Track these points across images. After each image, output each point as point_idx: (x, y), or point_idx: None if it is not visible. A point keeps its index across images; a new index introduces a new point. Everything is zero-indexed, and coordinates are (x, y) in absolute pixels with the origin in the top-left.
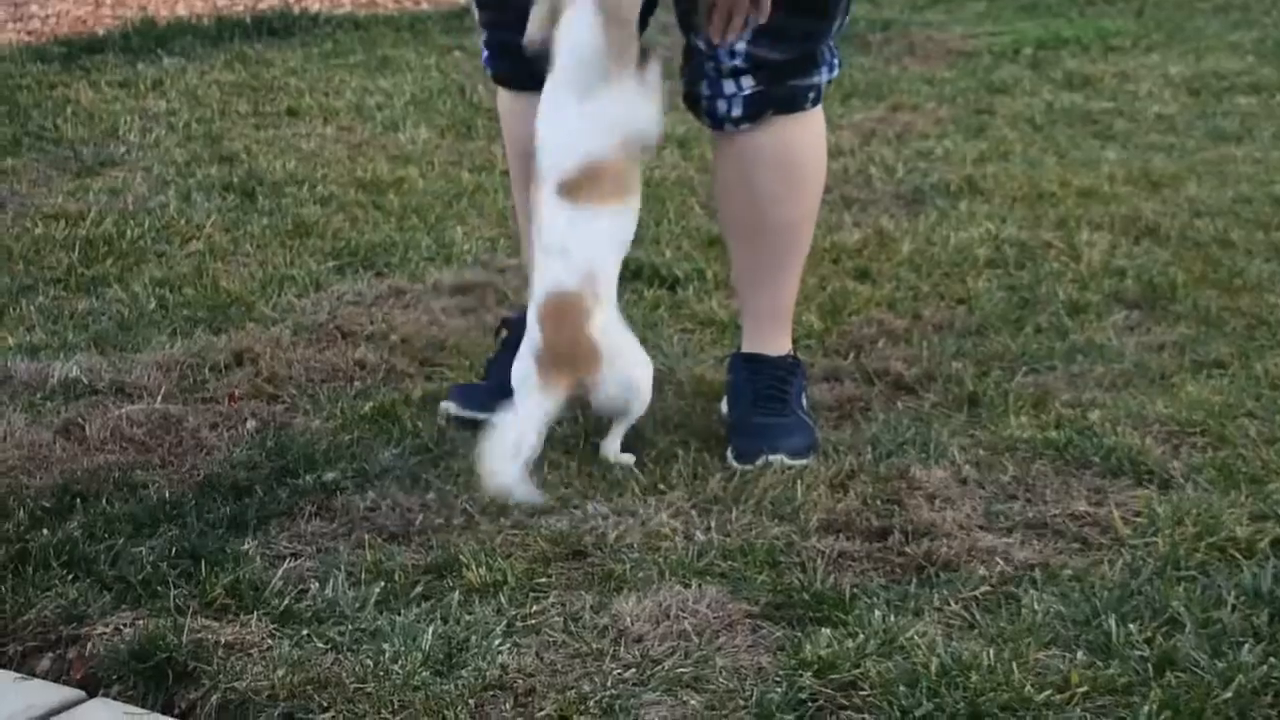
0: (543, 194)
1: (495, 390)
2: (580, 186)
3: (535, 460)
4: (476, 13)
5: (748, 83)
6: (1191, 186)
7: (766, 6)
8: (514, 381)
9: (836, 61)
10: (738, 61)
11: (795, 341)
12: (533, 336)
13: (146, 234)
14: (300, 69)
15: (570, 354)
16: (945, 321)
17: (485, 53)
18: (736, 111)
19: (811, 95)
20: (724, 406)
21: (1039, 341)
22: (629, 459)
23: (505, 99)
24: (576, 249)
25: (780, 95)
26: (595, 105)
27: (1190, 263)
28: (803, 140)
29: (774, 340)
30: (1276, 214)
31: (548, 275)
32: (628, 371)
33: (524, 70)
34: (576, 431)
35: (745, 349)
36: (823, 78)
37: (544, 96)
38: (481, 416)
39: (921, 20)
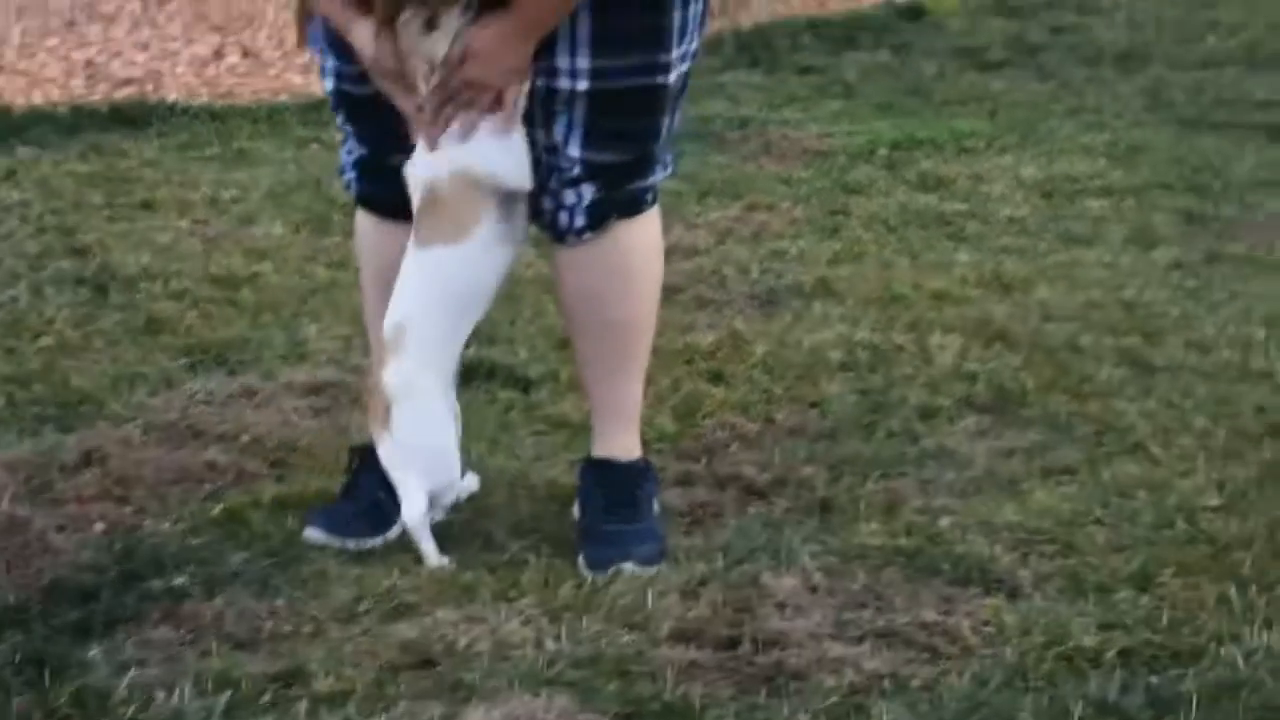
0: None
1: (359, 514)
2: (420, 218)
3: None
4: (343, 122)
5: (588, 190)
6: (1042, 290)
7: (508, 109)
8: None
9: (670, 158)
10: (576, 170)
11: (647, 445)
12: None
13: None
14: (156, 160)
15: (369, 397)
16: (798, 425)
17: (350, 172)
18: (580, 221)
19: (649, 196)
20: (575, 512)
21: (891, 446)
22: (425, 549)
23: (367, 223)
24: (398, 290)
25: (621, 200)
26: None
27: (1040, 367)
28: (642, 241)
29: (623, 443)
30: (1125, 319)
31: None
32: (411, 436)
33: (394, 194)
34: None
35: (595, 454)
36: (658, 176)
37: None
38: (351, 544)
39: (779, 118)
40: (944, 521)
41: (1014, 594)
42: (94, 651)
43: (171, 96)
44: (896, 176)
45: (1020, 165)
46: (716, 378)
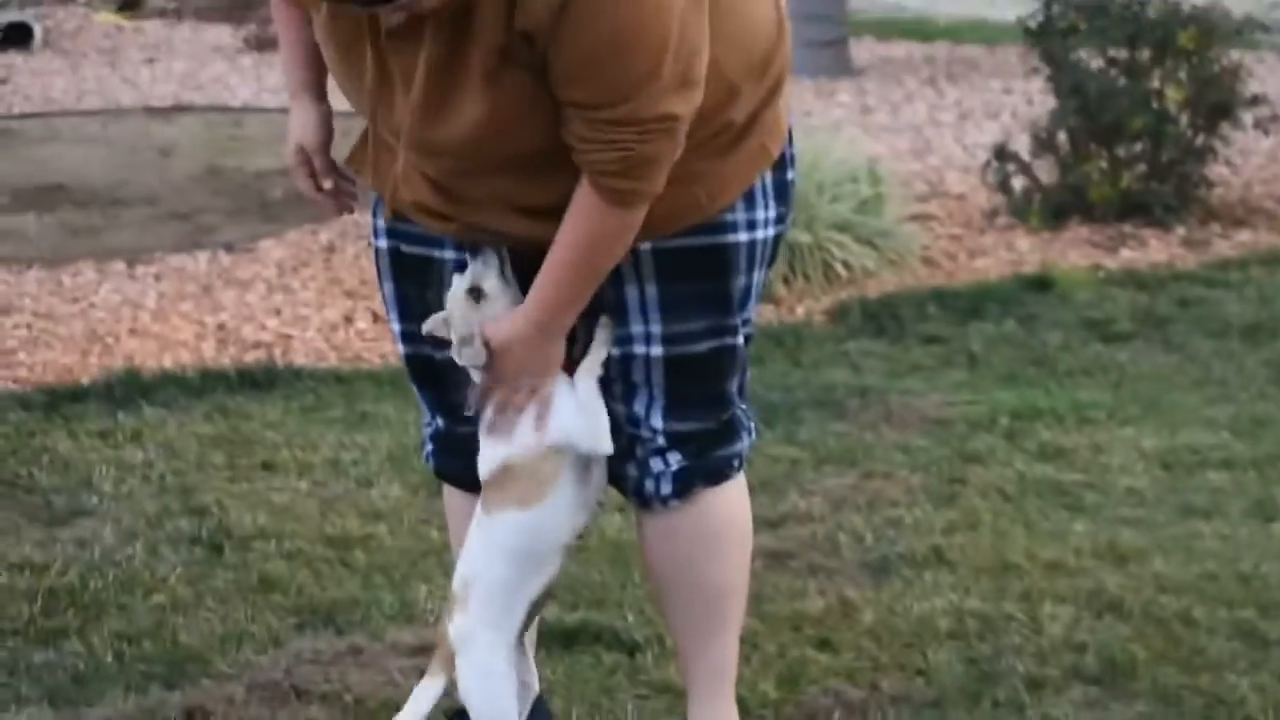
0: None
1: None
2: (490, 485)
3: None
4: (417, 391)
5: (674, 459)
6: (1158, 562)
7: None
8: None
9: (752, 425)
10: (660, 440)
11: (749, 711)
12: None
13: (110, 585)
14: (279, 423)
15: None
16: (903, 693)
17: (428, 445)
18: (666, 489)
19: (736, 463)
20: None
21: (997, 716)
22: None
23: (450, 493)
24: (466, 544)
25: (708, 468)
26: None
27: (1151, 639)
28: (729, 507)
29: (719, 709)
30: (1241, 592)
31: None
32: (469, 689)
33: (469, 469)
34: None
35: (693, 715)
36: (744, 443)
37: None
38: None
39: (901, 387)
40: None
41: None
42: None
43: (299, 360)
44: (1016, 446)
45: (1142, 437)
46: (823, 644)
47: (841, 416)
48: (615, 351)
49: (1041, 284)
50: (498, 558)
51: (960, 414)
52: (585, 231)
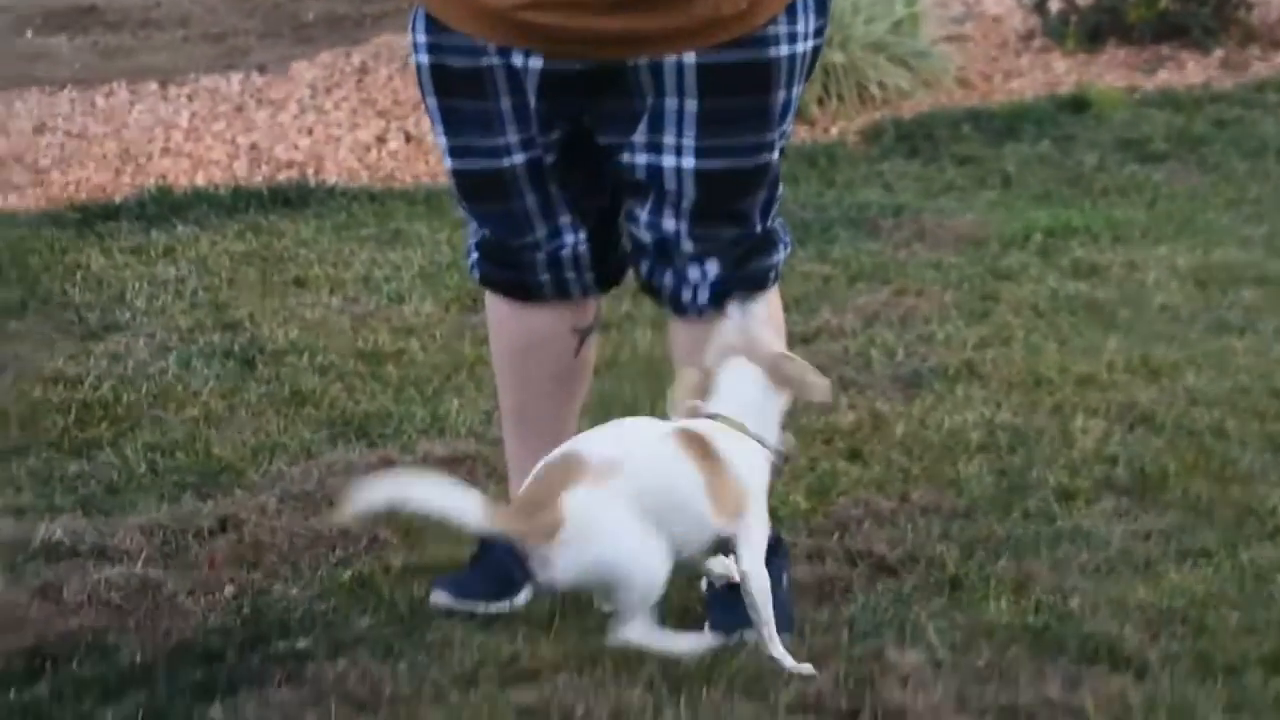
0: None
1: (486, 578)
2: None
3: None
4: (464, 205)
5: (712, 267)
6: (1190, 376)
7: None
8: None
9: (789, 238)
10: (693, 247)
11: (781, 521)
12: None
13: (143, 399)
14: (312, 240)
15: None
16: (933, 504)
17: (473, 254)
18: (703, 298)
19: (773, 275)
20: (704, 582)
21: (1025, 526)
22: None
23: (494, 303)
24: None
25: (745, 277)
26: None
27: (1183, 452)
28: (765, 318)
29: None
30: (1273, 405)
31: None
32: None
33: (515, 277)
34: (552, 603)
35: None
36: (781, 255)
37: None
38: (478, 608)
39: (934, 206)
40: (1074, 601)
41: (1141, 673)
42: (215, 711)
43: (332, 179)
44: (1049, 263)
45: (1176, 255)
46: (854, 456)
47: (875, 235)
48: (643, 160)
49: (1077, 105)
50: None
51: (994, 232)
52: None
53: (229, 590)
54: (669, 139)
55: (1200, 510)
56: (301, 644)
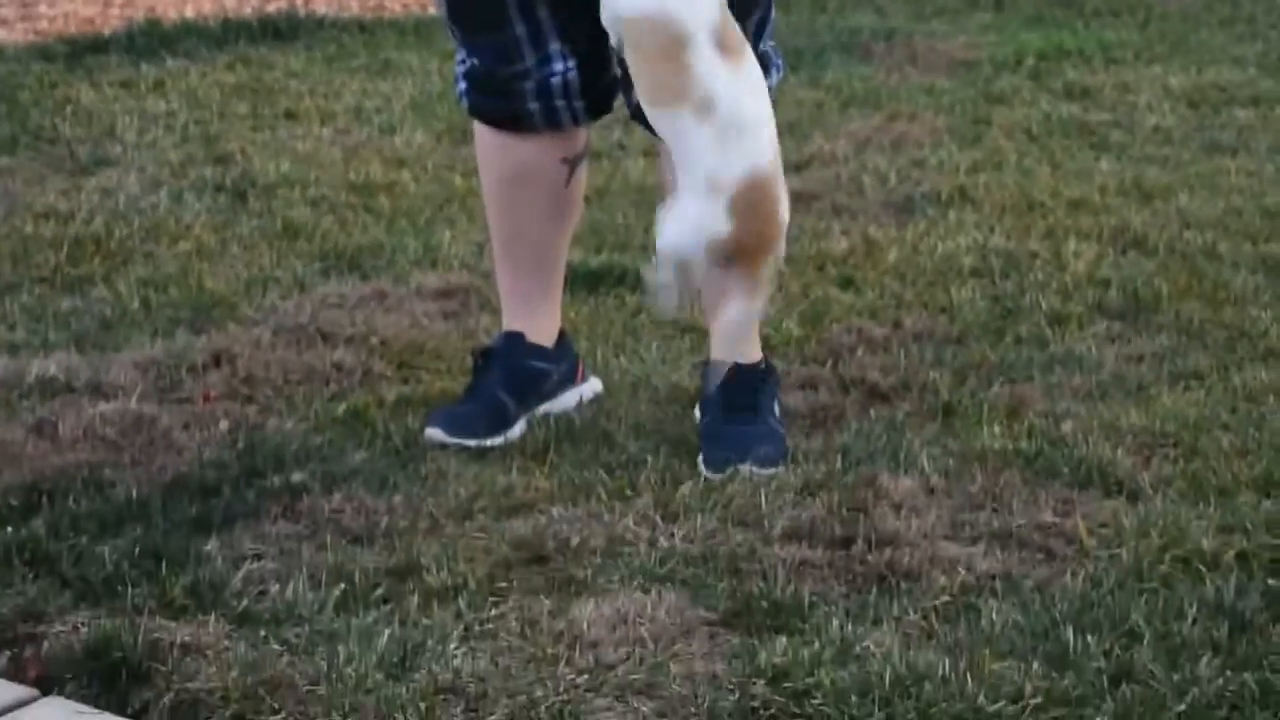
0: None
1: (479, 413)
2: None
3: None
4: (452, 30)
5: None
6: (1183, 198)
7: None
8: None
9: (781, 61)
10: None
11: (773, 349)
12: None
13: (135, 234)
14: (302, 72)
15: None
16: (926, 330)
17: (461, 83)
18: None
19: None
20: (697, 413)
21: (1018, 352)
22: None
23: (483, 133)
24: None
25: None
26: None
27: (1175, 274)
28: None
29: (745, 347)
30: (1266, 227)
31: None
32: None
33: (504, 107)
34: (547, 435)
35: (716, 356)
36: (773, 79)
37: None
38: (471, 443)
39: (926, 30)
40: (1067, 425)
41: (1133, 497)
42: (211, 545)
43: (321, 10)
44: (1042, 86)
45: (1168, 75)
46: (847, 283)
47: (867, 59)
48: None
49: None
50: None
51: (986, 55)
52: None
53: (223, 425)
54: None
55: (1192, 333)
56: (296, 478)
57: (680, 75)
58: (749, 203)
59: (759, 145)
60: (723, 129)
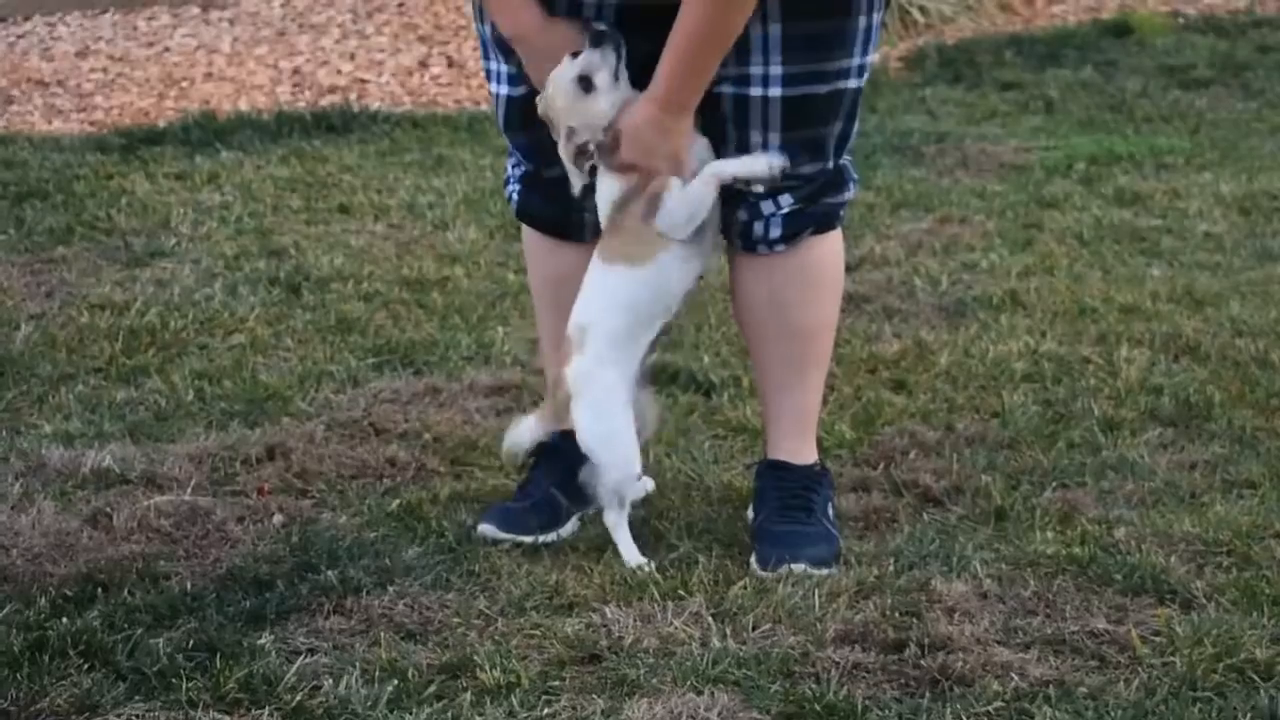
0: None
1: (532, 510)
2: (605, 234)
3: None
4: (510, 135)
5: (786, 201)
6: (1235, 306)
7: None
8: None
9: (857, 177)
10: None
11: (826, 451)
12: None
13: (190, 326)
14: (356, 166)
15: (554, 391)
16: (978, 434)
17: (513, 185)
18: (775, 232)
19: (842, 212)
20: (750, 513)
21: (1070, 457)
22: (623, 549)
23: (531, 236)
24: (583, 292)
25: (817, 213)
26: None
27: (1228, 382)
28: (831, 252)
29: (799, 449)
30: None
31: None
32: (589, 430)
33: (554, 210)
34: (599, 533)
35: (771, 456)
36: (852, 192)
37: None
38: (525, 539)
39: (977, 133)
40: (1120, 532)
41: (1187, 605)
42: (265, 639)
43: (375, 104)
44: (1093, 191)
45: (1220, 182)
46: (899, 386)
47: (918, 162)
48: (731, 91)
49: (1120, 30)
50: (614, 308)
51: (1037, 159)
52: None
53: (277, 519)
54: (755, 69)
55: (1245, 441)
56: (350, 573)
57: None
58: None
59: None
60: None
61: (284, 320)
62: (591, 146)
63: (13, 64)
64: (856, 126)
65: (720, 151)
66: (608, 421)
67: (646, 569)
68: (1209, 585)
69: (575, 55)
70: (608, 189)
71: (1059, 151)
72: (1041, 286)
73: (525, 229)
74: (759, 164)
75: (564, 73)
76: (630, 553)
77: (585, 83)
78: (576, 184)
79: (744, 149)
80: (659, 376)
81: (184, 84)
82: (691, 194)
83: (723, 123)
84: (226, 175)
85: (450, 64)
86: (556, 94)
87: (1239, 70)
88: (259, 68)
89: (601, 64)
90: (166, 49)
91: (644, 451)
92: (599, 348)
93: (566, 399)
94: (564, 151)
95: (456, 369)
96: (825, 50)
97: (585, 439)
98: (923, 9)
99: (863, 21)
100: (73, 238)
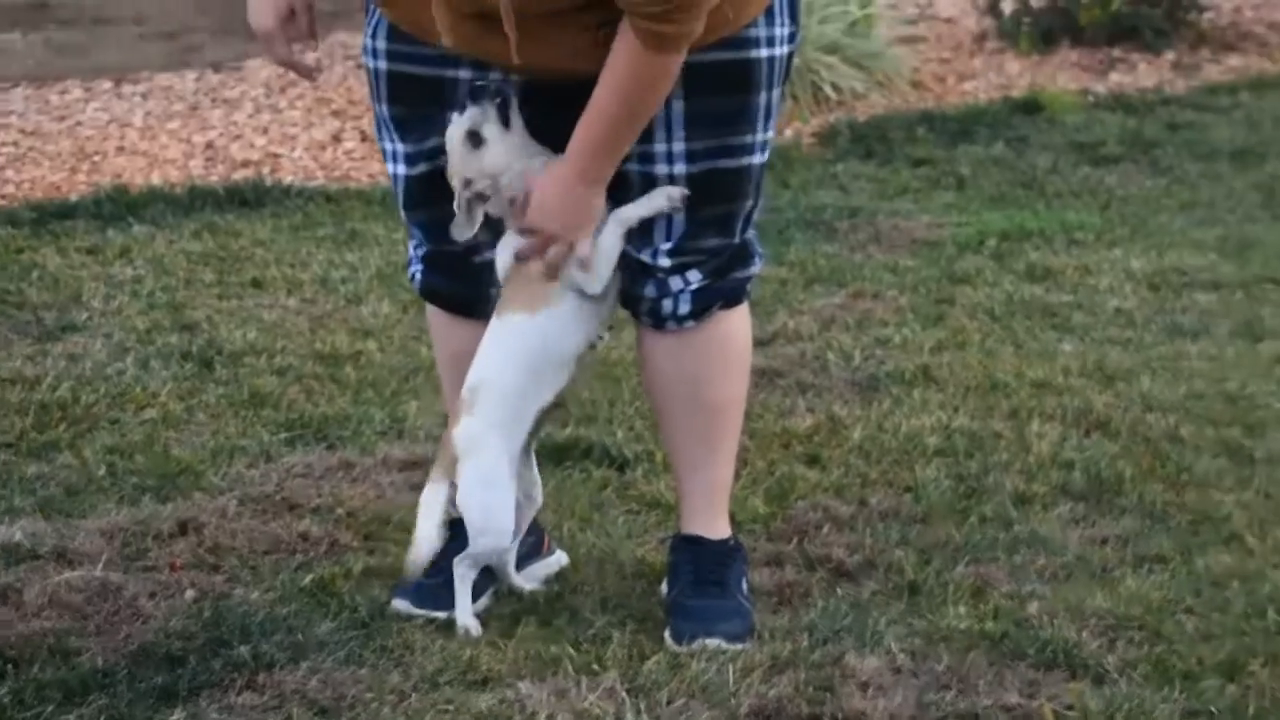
0: None
1: (445, 585)
2: (506, 290)
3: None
4: (410, 215)
5: (694, 277)
6: (1145, 381)
7: (585, 253)
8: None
9: (761, 250)
10: (677, 260)
11: (740, 525)
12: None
13: (101, 400)
14: (269, 240)
15: (443, 450)
16: (891, 509)
17: (415, 265)
18: (684, 309)
19: (749, 287)
20: (664, 588)
21: (983, 532)
22: (460, 603)
23: (435, 314)
24: (479, 352)
25: (725, 288)
26: None
27: (1139, 457)
28: (739, 328)
29: (713, 523)
30: (1228, 411)
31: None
32: (469, 492)
33: (457, 288)
34: (514, 608)
35: (685, 531)
36: (758, 267)
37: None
38: (438, 615)
39: (889, 209)
40: (1032, 606)
41: (1099, 679)
42: (177, 716)
43: (288, 179)
44: (1004, 267)
45: (1129, 258)
46: (812, 461)
47: (830, 237)
48: (636, 169)
49: (1030, 107)
50: (509, 363)
51: (949, 235)
52: (627, 77)
53: (189, 594)
54: (659, 146)
55: (1156, 516)
56: (263, 648)
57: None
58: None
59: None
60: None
61: (196, 395)
62: (489, 194)
63: None
64: (761, 202)
65: (634, 230)
66: (490, 490)
67: (474, 634)
68: (1120, 660)
69: (478, 92)
70: (510, 243)
71: (970, 227)
72: (954, 361)
73: (429, 307)
74: (659, 199)
75: (452, 131)
76: (464, 611)
77: (474, 138)
78: (463, 233)
79: (650, 229)
80: (572, 452)
81: (96, 158)
82: (603, 246)
83: (624, 200)
84: (139, 249)
85: (364, 138)
86: (451, 153)
87: (1148, 147)
88: (172, 142)
89: (484, 117)
90: (79, 123)
91: (556, 527)
92: (488, 409)
93: (453, 461)
94: (458, 200)
95: (370, 443)
96: (728, 127)
97: (465, 501)
98: (835, 85)
99: (764, 98)
100: None
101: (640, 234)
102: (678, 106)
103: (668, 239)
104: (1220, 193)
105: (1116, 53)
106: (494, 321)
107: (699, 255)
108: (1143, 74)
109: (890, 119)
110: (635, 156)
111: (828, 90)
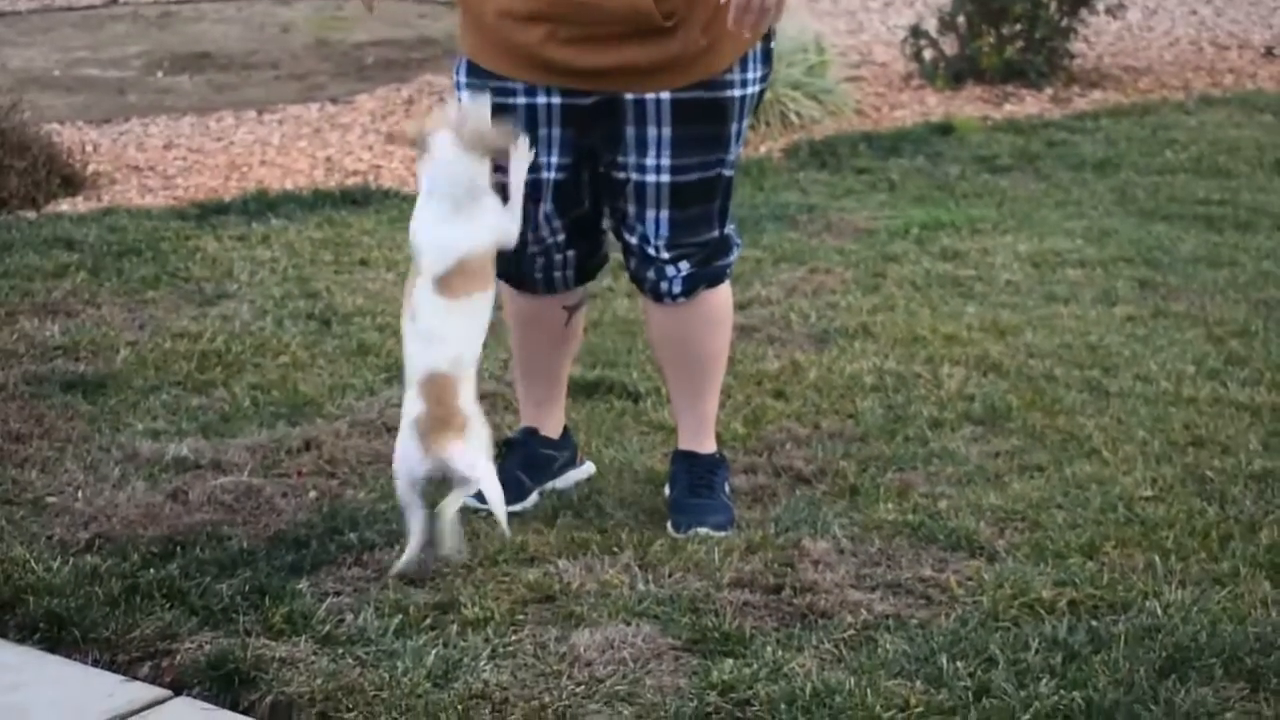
0: (420, 286)
1: (504, 487)
2: (451, 277)
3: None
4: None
5: (684, 266)
6: (1028, 335)
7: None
8: (397, 456)
9: (740, 241)
10: (670, 253)
11: (723, 443)
12: (412, 412)
13: (246, 349)
14: (373, 230)
15: (445, 422)
16: (837, 431)
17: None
18: (677, 289)
19: (728, 271)
20: (667, 490)
21: (906, 448)
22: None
23: (505, 286)
24: (446, 334)
25: (709, 274)
26: (467, 215)
27: (1023, 392)
28: (721, 300)
29: (703, 442)
30: (1089, 357)
31: (425, 358)
32: (480, 434)
33: (521, 274)
34: (553, 505)
35: (681, 447)
36: (735, 255)
37: (420, 206)
38: (484, 508)
39: (838, 206)
40: (943, 504)
41: (992, 558)
42: (302, 584)
43: (388, 184)
44: (924, 250)
45: (1017, 243)
46: (778, 395)
47: (794, 227)
48: (633, 178)
49: (944, 130)
50: (479, 333)
51: (882, 225)
52: None
53: (312, 494)
54: (649, 160)
55: (1035, 436)
56: (367, 535)
57: (408, 292)
58: (429, 392)
59: (439, 354)
60: (419, 334)
61: (318, 345)
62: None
63: (116, 154)
64: (732, 202)
65: (629, 222)
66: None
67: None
68: (1008, 543)
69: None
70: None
71: (899, 220)
72: (885, 320)
73: (499, 281)
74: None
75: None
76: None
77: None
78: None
79: (640, 221)
80: (598, 388)
81: (244, 169)
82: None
83: (625, 201)
84: (275, 237)
85: None
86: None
87: (1033, 159)
88: (300, 157)
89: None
90: (231, 143)
91: (586, 445)
92: (473, 370)
93: (463, 424)
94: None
95: None
96: (705, 147)
97: (479, 469)
98: (798, 113)
99: (734, 127)
100: (159, 284)
101: (640, 230)
102: (666, 132)
103: (660, 235)
104: (1086, 194)
105: (1009, 89)
106: (451, 305)
107: (690, 248)
108: (1029, 104)
109: (839, 139)
110: (631, 168)
111: (792, 117)
